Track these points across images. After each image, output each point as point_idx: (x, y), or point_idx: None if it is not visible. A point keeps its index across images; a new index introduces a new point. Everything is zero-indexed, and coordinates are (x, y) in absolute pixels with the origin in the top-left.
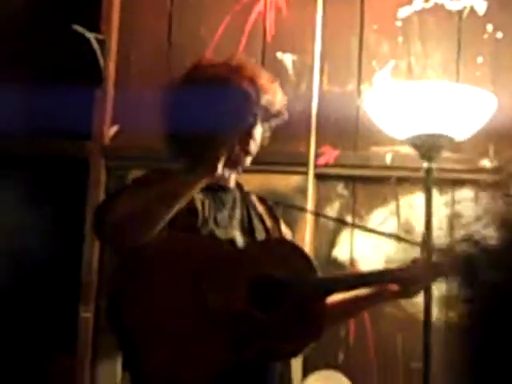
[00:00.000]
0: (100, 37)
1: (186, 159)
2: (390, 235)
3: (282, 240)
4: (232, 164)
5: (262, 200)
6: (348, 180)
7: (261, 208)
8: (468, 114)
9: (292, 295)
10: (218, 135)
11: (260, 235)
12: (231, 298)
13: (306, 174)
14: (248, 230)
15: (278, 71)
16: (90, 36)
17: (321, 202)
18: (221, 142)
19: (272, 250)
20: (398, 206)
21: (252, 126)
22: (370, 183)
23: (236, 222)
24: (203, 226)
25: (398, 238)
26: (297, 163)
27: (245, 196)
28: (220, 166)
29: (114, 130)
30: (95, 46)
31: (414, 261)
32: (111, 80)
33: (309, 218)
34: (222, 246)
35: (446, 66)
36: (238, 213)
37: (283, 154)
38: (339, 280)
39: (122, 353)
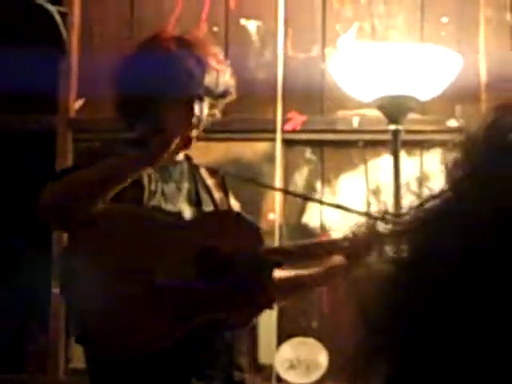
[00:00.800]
0: (62, 9)
1: (133, 127)
2: (357, 212)
3: (228, 212)
4: (181, 143)
5: (212, 172)
6: (316, 145)
7: (210, 181)
8: (433, 75)
9: (238, 267)
10: (162, 101)
11: (207, 207)
12: (178, 269)
13: (273, 140)
14: (195, 202)
15: (242, 38)
16: (53, 9)
17: (289, 168)
18: (166, 111)
19: (219, 222)
20: (366, 170)
21: (192, 99)
22: (338, 147)
23: (183, 195)
24: (150, 200)
25: (366, 214)
26: (264, 130)
27: (193, 168)
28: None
29: (79, 102)
30: (58, 18)
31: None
32: (75, 53)
33: (278, 184)
34: (168, 218)
35: (410, 27)
36: (185, 185)
37: (250, 121)
38: (286, 251)
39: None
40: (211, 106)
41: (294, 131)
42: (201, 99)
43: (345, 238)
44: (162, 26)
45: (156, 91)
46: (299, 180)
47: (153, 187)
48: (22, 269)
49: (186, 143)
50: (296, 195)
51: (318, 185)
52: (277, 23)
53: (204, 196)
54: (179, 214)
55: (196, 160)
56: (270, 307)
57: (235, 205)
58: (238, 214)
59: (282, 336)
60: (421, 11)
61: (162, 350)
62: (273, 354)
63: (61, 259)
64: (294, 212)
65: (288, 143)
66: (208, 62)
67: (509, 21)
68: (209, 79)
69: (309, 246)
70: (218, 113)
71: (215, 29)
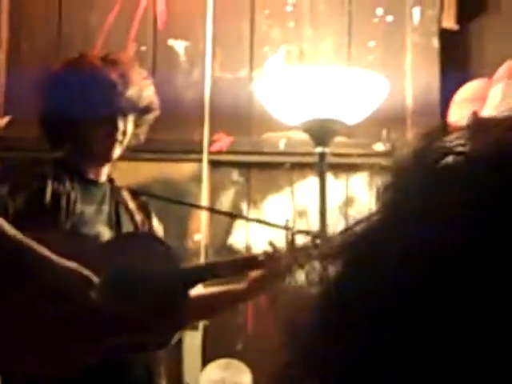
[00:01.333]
0: None
1: (61, 148)
2: (281, 227)
3: (141, 233)
4: (100, 156)
5: (134, 195)
6: (242, 166)
7: (131, 203)
8: (360, 98)
9: (154, 287)
10: (86, 119)
11: (128, 230)
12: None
13: (200, 161)
14: (115, 224)
15: (170, 58)
16: None
17: (216, 190)
18: (87, 129)
19: (132, 244)
20: (292, 192)
21: (116, 114)
22: (265, 169)
23: (103, 218)
24: (66, 222)
25: (290, 230)
26: (191, 151)
27: (115, 190)
28: None
29: (5, 120)
30: None
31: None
32: (2, 69)
33: (204, 204)
34: (83, 242)
35: (337, 51)
36: (105, 208)
37: (177, 142)
38: (202, 269)
39: None
40: (136, 125)
41: (220, 152)
42: (124, 114)
43: (263, 253)
44: (90, 43)
45: (80, 108)
46: (225, 201)
47: (71, 208)
48: None
49: (108, 159)
50: (221, 213)
51: (244, 206)
52: (205, 44)
53: (125, 219)
54: (96, 237)
55: (123, 180)
56: (180, 328)
57: (158, 227)
58: (151, 234)
59: (207, 357)
60: (348, 35)
61: (79, 378)
62: (198, 376)
63: None
64: (219, 233)
65: (214, 164)
66: (130, 76)
67: (436, 46)
68: (131, 93)
69: (228, 263)
70: (142, 133)
71: (143, 48)
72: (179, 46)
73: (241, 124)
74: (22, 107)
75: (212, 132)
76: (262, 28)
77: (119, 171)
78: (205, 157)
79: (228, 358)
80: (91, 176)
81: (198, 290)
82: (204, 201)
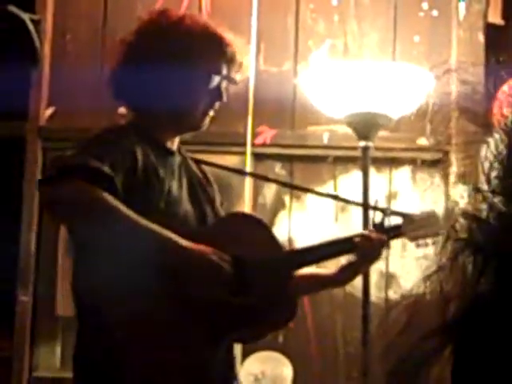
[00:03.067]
0: (35, 17)
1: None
2: (355, 203)
3: (242, 215)
4: (192, 125)
5: (197, 162)
6: (285, 159)
7: (199, 173)
8: (404, 93)
9: (264, 275)
10: (191, 89)
11: (205, 206)
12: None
13: (243, 154)
14: (195, 201)
15: None
16: (25, 17)
17: (259, 182)
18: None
19: (233, 228)
20: (335, 186)
21: (221, 81)
22: (308, 162)
23: (184, 194)
24: (159, 202)
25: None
26: (234, 143)
27: (185, 161)
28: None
29: (50, 111)
30: (30, 26)
31: (372, 231)
32: (47, 61)
33: (247, 198)
34: (184, 225)
35: (382, 45)
36: (184, 181)
37: (220, 135)
38: (307, 252)
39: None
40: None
41: (264, 145)
42: (228, 82)
43: (359, 235)
44: None
45: (189, 79)
46: (268, 194)
47: (161, 186)
48: None
49: (201, 127)
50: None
51: (287, 199)
52: (249, 37)
53: (200, 193)
54: (185, 217)
55: None
56: (296, 314)
57: (218, 196)
58: (252, 216)
59: (248, 350)
60: (393, 30)
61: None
62: (238, 368)
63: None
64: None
65: (258, 157)
66: (227, 37)
67: (481, 41)
68: (236, 58)
69: (323, 246)
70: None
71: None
72: None
73: (284, 117)
74: (66, 98)
75: (256, 125)
76: (307, 22)
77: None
78: (248, 149)
79: (268, 351)
80: (168, 145)
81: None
82: (247, 194)
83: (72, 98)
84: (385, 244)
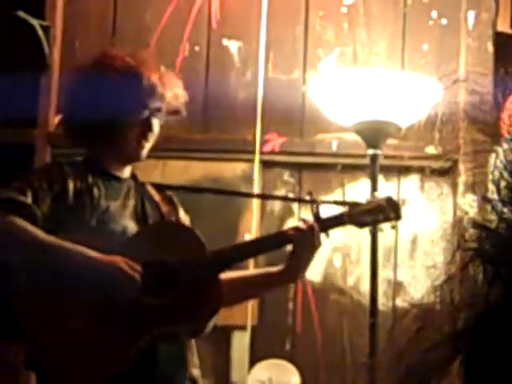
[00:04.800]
0: (45, 23)
1: (85, 147)
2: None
3: (167, 222)
4: (128, 156)
5: (159, 189)
6: (294, 167)
7: (157, 196)
8: (413, 101)
9: (184, 276)
10: (118, 123)
11: (154, 222)
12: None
13: (251, 161)
14: (142, 218)
15: (224, 58)
16: (35, 22)
17: (267, 190)
18: (119, 129)
19: (159, 233)
20: (343, 194)
21: (152, 116)
22: (316, 170)
23: (129, 212)
24: (91, 219)
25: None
26: (243, 150)
27: (139, 186)
28: None
29: (59, 117)
30: (40, 32)
31: (304, 221)
32: (56, 67)
33: (255, 206)
34: (110, 238)
35: (391, 53)
36: (131, 202)
37: (229, 142)
38: (230, 252)
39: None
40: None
41: (272, 153)
42: (159, 116)
43: (293, 227)
44: (144, 42)
45: (115, 108)
46: (276, 202)
47: (95, 204)
48: None
49: (138, 159)
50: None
51: (295, 207)
52: (258, 44)
53: (150, 211)
54: (123, 232)
55: (174, 178)
56: (217, 312)
57: (185, 218)
58: (176, 222)
59: (255, 357)
60: (402, 38)
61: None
62: (245, 375)
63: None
64: (270, 232)
65: (266, 164)
66: (167, 77)
67: (490, 50)
68: (169, 95)
69: (257, 241)
70: (160, 132)
71: (197, 48)
72: (233, 46)
73: (293, 125)
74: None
75: (264, 132)
76: (316, 29)
77: (171, 170)
78: (257, 157)
79: (276, 359)
80: (116, 173)
81: (233, 273)
82: (255, 201)
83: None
84: (317, 232)
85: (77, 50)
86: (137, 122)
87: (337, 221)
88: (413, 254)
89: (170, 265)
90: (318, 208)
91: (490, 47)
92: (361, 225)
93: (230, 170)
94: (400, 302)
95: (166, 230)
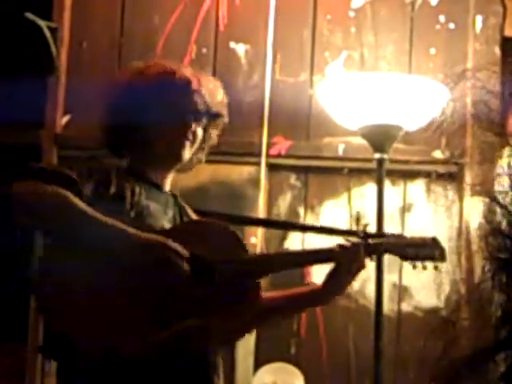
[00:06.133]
0: (52, 25)
1: (129, 153)
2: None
3: (210, 222)
4: (171, 158)
5: (195, 212)
6: (300, 171)
7: (193, 215)
8: (420, 105)
9: (223, 275)
10: (160, 126)
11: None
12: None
13: (258, 164)
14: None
15: (231, 61)
16: (42, 24)
17: (273, 193)
18: (161, 132)
19: (200, 231)
20: (349, 197)
21: (188, 114)
22: (323, 174)
23: (168, 219)
24: (131, 211)
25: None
26: (249, 153)
27: (178, 202)
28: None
29: (66, 118)
30: (47, 34)
31: (351, 241)
32: (63, 68)
33: (261, 209)
34: (151, 228)
35: (398, 57)
36: (170, 213)
37: (235, 144)
38: (272, 258)
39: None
40: (204, 129)
41: (279, 156)
42: (197, 114)
43: (338, 246)
44: (152, 44)
45: (152, 109)
46: (282, 205)
47: (136, 199)
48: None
49: (180, 159)
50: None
51: (301, 210)
52: (266, 47)
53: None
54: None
55: (180, 181)
56: (248, 315)
57: None
58: (221, 223)
59: (260, 361)
60: (409, 42)
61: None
62: (250, 378)
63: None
64: (275, 236)
65: (273, 168)
66: (203, 77)
67: (497, 54)
68: (205, 93)
69: (292, 255)
70: (210, 138)
71: (204, 50)
72: (240, 48)
73: (300, 128)
74: (82, 106)
75: (271, 135)
76: (324, 33)
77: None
78: (263, 160)
79: (281, 362)
80: (158, 181)
81: (275, 292)
82: (261, 204)
83: (88, 106)
84: (361, 255)
85: (84, 51)
86: (178, 123)
87: (382, 248)
88: None
89: (209, 261)
90: (365, 230)
91: (498, 51)
92: (403, 257)
93: (236, 173)
94: (405, 307)
95: (206, 229)
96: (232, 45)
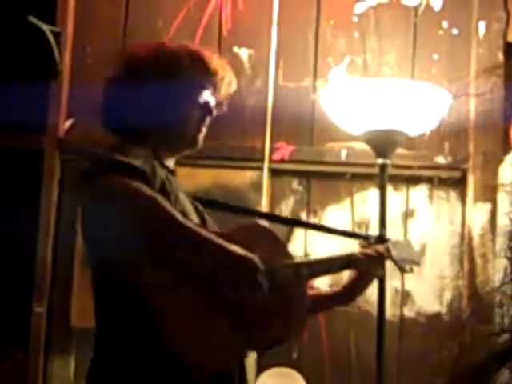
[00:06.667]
0: (55, 29)
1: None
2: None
3: (255, 225)
4: (188, 141)
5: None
6: (303, 176)
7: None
8: (423, 111)
9: (276, 281)
10: (179, 106)
11: (209, 223)
12: None
13: (260, 169)
14: (198, 214)
15: (234, 65)
16: (45, 28)
17: (275, 198)
18: (180, 113)
19: (248, 234)
20: (352, 202)
21: (212, 100)
22: (325, 179)
23: (191, 207)
24: (175, 206)
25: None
26: (252, 158)
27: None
28: None
29: (68, 123)
30: (50, 38)
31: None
32: (66, 73)
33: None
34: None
35: (401, 63)
36: (187, 199)
37: (238, 149)
38: (315, 264)
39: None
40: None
41: (281, 161)
42: (217, 94)
43: (361, 252)
44: None
45: (174, 89)
46: (285, 210)
47: (174, 192)
48: (1, 286)
49: (197, 144)
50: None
51: (304, 215)
52: (269, 52)
53: (199, 209)
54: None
55: (183, 186)
56: (306, 322)
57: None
58: (264, 226)
59: (262, 365)
60: (413, 47)
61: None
62: (252, 383)
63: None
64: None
65: (275, 172)
66: (217, 57)
67: (500, 60)
68: (223, 74)
69: (325, 261)
70: (224, 104)
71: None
72: (243, 53)
73: (302, 133)
74: (84, 111)
75: (273, 140)
76: (327, 38)
77: (179, 177)
78: (266, 165)
79: (283, 367)
80: (169, 166)
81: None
82: (264, 209)
83: (91, 110)
84: (383, 260)
85: (87, 55)
86: (197, 104)
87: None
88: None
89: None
90: (382, 237)
91: (501, 57)
92: (398, 263)
93: (238, 178)
94: (407, 312)
95: (254, 231)
96: (235, 49)
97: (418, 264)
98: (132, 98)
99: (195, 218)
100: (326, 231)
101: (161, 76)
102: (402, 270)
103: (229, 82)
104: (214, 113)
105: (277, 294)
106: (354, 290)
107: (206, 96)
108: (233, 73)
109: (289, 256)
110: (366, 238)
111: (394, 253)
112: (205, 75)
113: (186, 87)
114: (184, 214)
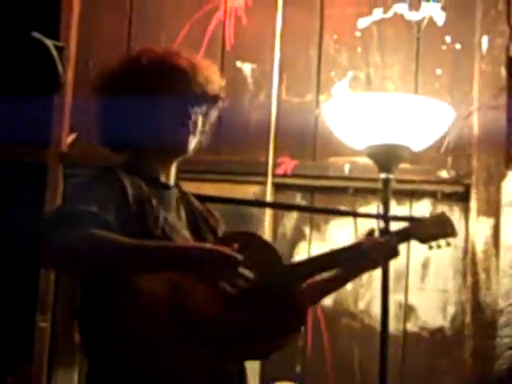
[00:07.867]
0: (59, 44)
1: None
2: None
3: (243, 233)
4: (172, 147)
5: (199, 199)
6: (306, 190)
7: (201, 208)
8: (426, 126)
9: (267, 288)
10: (157, 114)
11: (206, 235)
12: (207, 300)
13: (264, 183)
14: (195, 230)
15: (237, 80)
16: (49, 43)
17: (279, 213)
18: (159, 121)
19: (239, 242)
20: (355, 217)
21: (187, 102)
22: (328, 193)
23: (183, 223)
24: (156, 230)
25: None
26: (255, 173)
27: (184, 195)
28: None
29: (71, 137)
30: (54, 53)
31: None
32: (70, 87)
33: (267, 228)
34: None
35: (404, 77)
36: (183, 213)
37: (241, 164)
38: (309, 264)
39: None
40: (204, 115)
41: (284, 175)
42: (196, 102)
43: (366, 240)
44: None
45: (149, 100)
46: (288, 224)
47: (155, 212)
48: (6, 301)
49: (185, 150)
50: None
51: (307, 230)
52: (272, 67)
53: (202, 223)
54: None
55: None
56: (304, 323)
57: (220, 221)
58: (252, 233)
59: (266, 379)
60: (415, 62)
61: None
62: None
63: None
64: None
65: (278, 187)
66: (198, 62)
67: (503, 74)
68: (201, 79)
69: (330, 255)
70: (207, 132)
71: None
72: (247, 68)
73: (306, 148)
74: (87, 125)
75: (277, 155)
76: (330, 53)
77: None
78: (269, 179)
79: (286, 381)
80: (162, 179)
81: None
82: (267, 223)
83: (94, 124)
84: (393, 245)
85: (90, 70)
86: (174, 110)
87: (404, 235)
88: (424, 277)
89: (256, 272)
90: (387, 223)
91: (504, 72)
92: (424, 241)
93: (241, 192)
94: (411, 326)
95: (243, 239)
96: (238, 64)
97: (453, 235)
98: (108, 114)
99: (185, 232)
100: (331, 213)
101: (142, 90)
102: (434, 248)
103: (209, 81)
104: (197, 120)
105: (260, 313)
106: (366, 267)
107: (186, 102)
108: (229, 83)
109: (280, 257)
110: (380, 216)
111: (420, 232)
112: (182, 82)
113: (166, 96)
114: (165, 222)
